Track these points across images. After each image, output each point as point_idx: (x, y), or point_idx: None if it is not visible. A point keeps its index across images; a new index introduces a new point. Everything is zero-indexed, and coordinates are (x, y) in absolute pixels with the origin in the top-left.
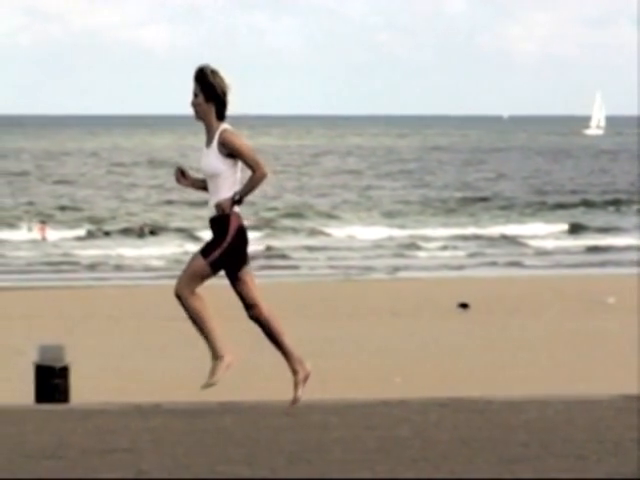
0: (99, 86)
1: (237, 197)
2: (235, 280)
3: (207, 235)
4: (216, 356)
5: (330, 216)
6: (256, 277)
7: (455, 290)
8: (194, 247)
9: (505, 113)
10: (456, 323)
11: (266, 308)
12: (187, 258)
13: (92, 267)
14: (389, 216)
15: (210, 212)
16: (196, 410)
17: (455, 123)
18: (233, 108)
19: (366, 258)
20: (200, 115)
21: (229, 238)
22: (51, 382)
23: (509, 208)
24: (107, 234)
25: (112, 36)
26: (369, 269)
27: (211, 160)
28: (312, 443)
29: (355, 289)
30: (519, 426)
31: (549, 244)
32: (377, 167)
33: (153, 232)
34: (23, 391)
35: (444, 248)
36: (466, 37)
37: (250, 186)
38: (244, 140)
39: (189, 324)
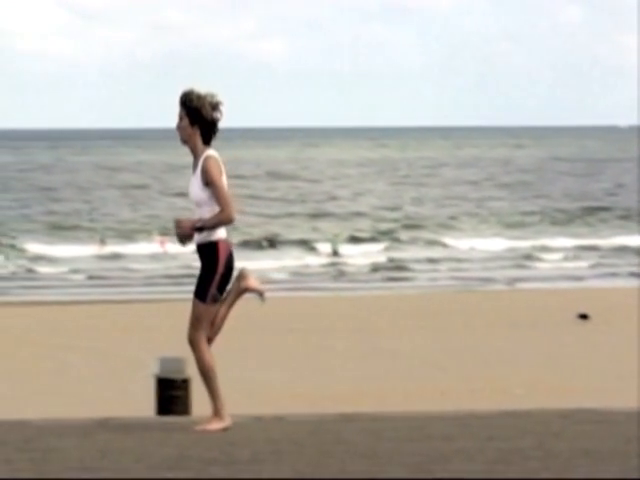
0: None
1: (199, 225)
2: None
3: (322, 247)
4: (217, 413)
5: (449, 227)
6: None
7: (575, 301)
8: (313, 259)
9: (622, 122)
10: (576, 334)
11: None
12: (307, 270)
13: None
14: (508, 227)
15: (197, 238)
16: (317, 421)
17: (572, 133)
18: (350, 120)
19: (486, 269)
20: (185, 139)
21: (220, 269)
22: (172, 394)
23: (629, 218)
24: None
25: (228, 49)
26: (489, 280)
27: (194, 188)
28: (433, 454)
29: (475, 300)
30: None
31: None
32: (495, 178)
33: (272, 244)
34: (144, 403)
35: (564, 259)
36: (582, 47)
37: (214, 222)
38: (218, 175)
39: (309, 336)
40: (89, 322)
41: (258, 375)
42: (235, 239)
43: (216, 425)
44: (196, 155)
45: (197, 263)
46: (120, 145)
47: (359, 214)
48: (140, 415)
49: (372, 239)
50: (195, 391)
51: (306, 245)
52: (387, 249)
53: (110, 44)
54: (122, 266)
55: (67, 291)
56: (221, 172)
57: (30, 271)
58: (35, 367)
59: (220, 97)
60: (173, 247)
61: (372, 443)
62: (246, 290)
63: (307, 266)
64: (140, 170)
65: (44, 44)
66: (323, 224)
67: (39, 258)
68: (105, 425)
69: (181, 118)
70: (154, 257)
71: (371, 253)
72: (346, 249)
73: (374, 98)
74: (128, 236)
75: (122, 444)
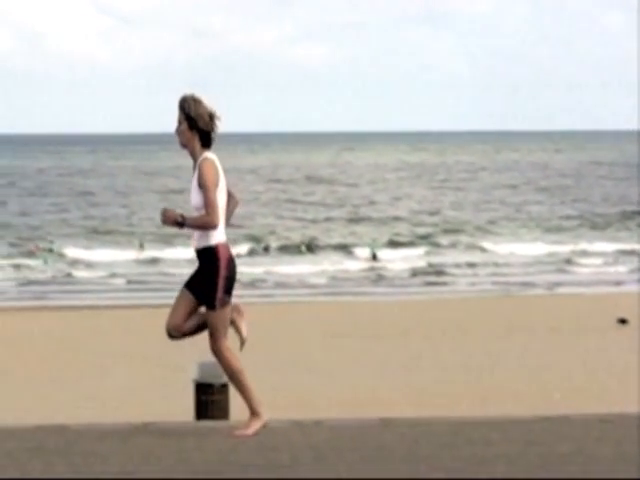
0: (257, 104)
1: (180, 219)
2: (199, 305)
3: (361, 252)
4: (253, 412)
5: (488, 231)
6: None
7: (614, 305)
8: (352, 264)
9: None
10: (615, 338)
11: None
12: (345, 275)
13: (252, 284)
14: (548, 231)
15: (195, 243)
16: (357, 427)
17: (611, 137)
18: (389, 124)
19: (525, 274)
20: (184, 143)
21: (222, 272)
22: (211, 399)
23: None
24: (266, 250)
25: (268, 53)
26: (528, 285)
27: (192, 191)
28: (474, 459)
29: (515, 305)
30: None
31: None
32: (534, 182)
33: (311, 248)
34: (183, 408)
35: (604, 263)
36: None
37: (196, 223)
38: (213, 179)
39: (348, 341)
40: (128, 327)
41: (297, 380)
42: (274, 244)
43: (254, 426)
44: (195, 159)
45: (237, 268)
46: (159, 149)
47: (398, 218)
48: (179, 420)
49: (411, 243)
50: (234, 396)
51: (345, 250)
52: (427, 254)
53: (149, 48)
54: (160, 270)
55: (106, 295)
56: (216, 176)
57: (69, 275)
58: (74, 372)
59: (216, 110)
60: None
61: (412, 448)
62: (232, 322)
63: (346, 271)
64: (178, 174)
65: (82, 48)
66: (361, 228)
67: (78, 262)
68: (144, 430)
69: (180, 122)
70: (192, 261)
71: (410, 258)
72: (385, 254)
73: (413, 102)
74: (167, 240)
75: (161, 449)
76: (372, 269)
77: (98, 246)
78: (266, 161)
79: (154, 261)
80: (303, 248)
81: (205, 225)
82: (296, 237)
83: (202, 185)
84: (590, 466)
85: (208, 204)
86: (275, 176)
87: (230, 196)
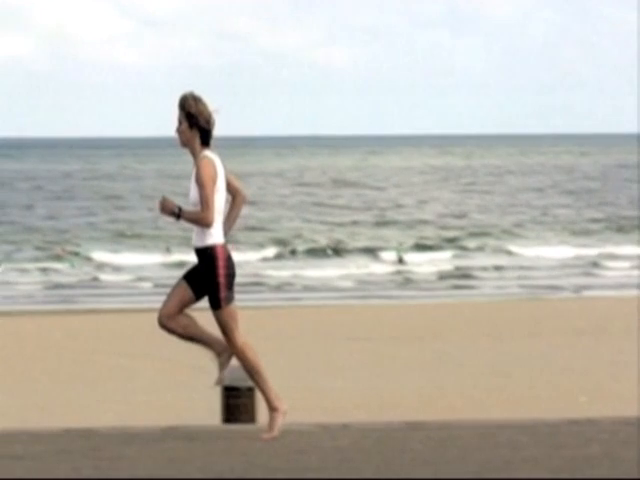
0: (282, 107)
1: (177, 211)
2: (196, 300)
3: (387, 255)
4: (272, 407)
5: (515, 235)
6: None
7: None
8: (379, 267)
9: None
10: None
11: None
12: (372, 279)
13: (279, 288)
14: (574, 234)
15: (194, 242)
16: (383, 430)
17: (637, 140)
18: (414, 127)
19: (552, 277)
20: (184, 142)
21: (222, 271)
22: (238, 402)
23: None
24: (293, 253)
25: (293, 56)
26: (555, 288)
27: (191, 189)
28: (500, 462)
29: (541, 308)
30: None
31: None
32: (560, 185)
33: (337, 252)
34: (209, 411)
35: (631, 267)
36: None
37: (191, 217)
38: (210, 176)
39: (375, 344)
40: (154, 330)
41: (324, 383)
42: (300, 247)
43: (277, 423)
44: (195, 157)
45: (263, 271)
46: (184, 153)
47: (424, 222)
48: (206, 423)
49: (437, 247)
50: (261, 399)
51: (371, 253)
52: (454, 257)
53: (175, 52)
54: None
55: (132, 299)
56: (214, 174)
57: (95, 279)
58: (101, 375)
59: (215, 106)
60: (238, 256)
61: (438, 451)
62: (218, 354)
63: (372, 274)
64: None
65: (108, 52)
66: (388, 232)
67: (104, 266)
68: (171, 433)
69: (180, 122)
70: None
71: (438, 261)
72: (412, 257)
73: (438, 105)
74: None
75: (188, 452)
76: (399, 272)
77: (125, 249)
78: (292, 164)
79: (181, 264)
80: (329, 251)
81: (199, 221)
82: (322, 240)
83: (199, 182)
84: (616, 469)
85: (204, 201)
86: (301, 179)
87: (237, 192)
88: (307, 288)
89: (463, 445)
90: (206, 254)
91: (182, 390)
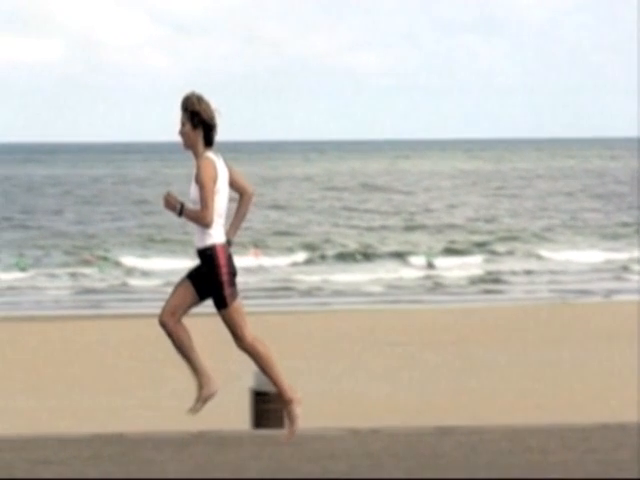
0: (311, 112)
1: (179, 207)
2: (199, 300)
3: (417, 260)
4: (286, 399)
5: (544, 239)
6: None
7: None
8: (408, 272)
9: None
10: None
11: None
12: (401, 283)
13: (308, 292)
14: (604, 238)
15: (196, 242)
16: (414, 435)
17: None
18: (444, 132)
19: (582, 281)
20: (188, 144)
21: (224, 270)
22: (267, 407)
23: None
24: (322, 258)
25: (324, 61)
26: (585, 292)
27: (192, 189)
28: (532, 467)
29: (571, 312)
30: None
31: None
32: (590, 189)
33: (367, 256)
34: (239, 416)
35: None
36: None
37: (191, 215)
38: (210, 177)
39: (405, 349)
40: None
41: (354, 388)
42: (329, 252)
43: (296, 417)
44: (197, 158)
45: (293, 276)
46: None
47: (453, 226)
48: (235, 428)
49: (467, 251)
50: None
51: (400, 257)
52: (484, 261)
53: (204, 57)
54: None
55: (162, 304)
56: (215, 175)
57: (124, 284)
58: (130, 379)
59: (217, 106)
60: (268, 260)
61: (469, 456)
62: (200, 385)
63: (402, 279)
64: None
65: (139, 57)
66: (417, 236)
67: (133, 271)
68: (201, 438)
69: (183, 124)
70: (248, 270)
71: (467, 265)
72: (441, 261)
73: (468, 110)
74: None
75: (218, 457)
76: (428, 277)
77: (154, 254)
78: (321, 169)
79: None
80: (359, 256)
81: (198, 219)
82: (352, 245)
83: (199, 182)
84: None
85: (203, 201)
86: (330, 184)
87: (243, 190)
88: (336, 293)
89: (494, 450)
90: (206, 254)
91: None
